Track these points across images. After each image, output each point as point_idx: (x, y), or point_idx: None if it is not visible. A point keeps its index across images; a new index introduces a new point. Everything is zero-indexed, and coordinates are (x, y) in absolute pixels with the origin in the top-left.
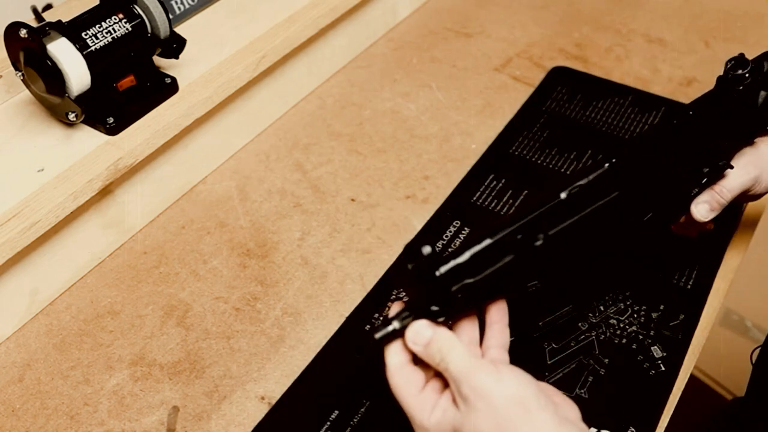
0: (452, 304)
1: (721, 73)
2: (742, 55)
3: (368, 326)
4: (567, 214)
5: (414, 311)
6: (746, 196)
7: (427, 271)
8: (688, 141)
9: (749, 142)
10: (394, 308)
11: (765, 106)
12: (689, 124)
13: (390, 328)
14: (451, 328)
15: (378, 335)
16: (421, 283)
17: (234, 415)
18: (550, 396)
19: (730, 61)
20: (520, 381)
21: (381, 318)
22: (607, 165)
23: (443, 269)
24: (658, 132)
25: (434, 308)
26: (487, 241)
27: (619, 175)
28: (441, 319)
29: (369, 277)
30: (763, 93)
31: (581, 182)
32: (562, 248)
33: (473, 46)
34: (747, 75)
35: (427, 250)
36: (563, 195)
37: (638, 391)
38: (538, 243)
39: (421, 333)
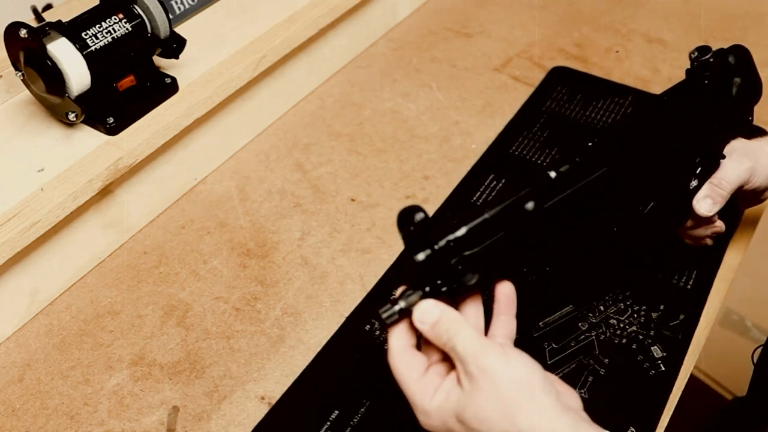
0: (453, 276)
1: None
2: (704, 45)
3: (368, 326)
4: (558, 190)
5: (416, 286)
6: (746, 192)
7: (421, 238)
8: (667, 125)
9: (736, 134)
10: (400, 290)
11: (740, 94)
12: (664, 110)
13: (396, 307)
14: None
15: (385, 315)
16: (418, 253)
17: (234, 415)
18: (554, 384)
19: (693, 51)
20: (528, 365)
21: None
22: (590, 144)
23: (441, 243)
24: (639, 114)
25: (437, 281)
26: (484, 216)
27: (604, 152)
28: (444, 289)
29: (369, 277)
30: (736, 80)
31: (570, 161)
32: (558, 224)
33: (473, 46)
34: (711, 59)
35: (419, 216)
36: (552, 174)
37: (638, 391)
38: (529, 206)
39: (429, 312)
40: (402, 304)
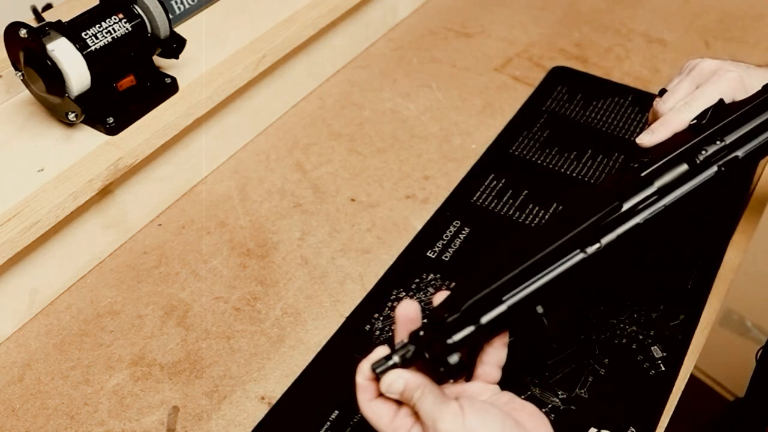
0: (441, 358)
1: None
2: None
3: (368, 326)
4: (567, 284)
5: (411, 342)
6: None
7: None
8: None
9: None
10: (399, 331)
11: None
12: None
13: (390, 362)
14: None
15: (379, 370)
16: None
17: (234, 415)
18: (522, 423)
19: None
20: (485, 424)
21: (380, 317)
22: (581, 255)
23: (458, 337)
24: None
25: (441, 369)
26: (501, 309)
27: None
28: (441, 369)
29: (369, 277)
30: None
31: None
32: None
33: (473, 46)
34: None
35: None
36: (540, 310)
37: (638, 391)
38: (539, 310)
39: (394, 384)
40: (396, 359)
